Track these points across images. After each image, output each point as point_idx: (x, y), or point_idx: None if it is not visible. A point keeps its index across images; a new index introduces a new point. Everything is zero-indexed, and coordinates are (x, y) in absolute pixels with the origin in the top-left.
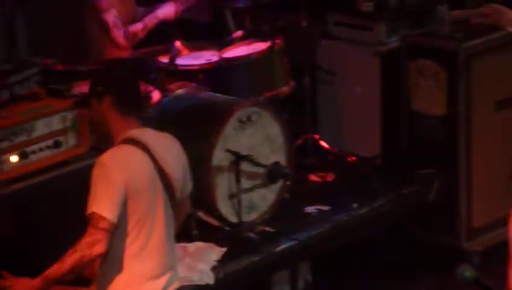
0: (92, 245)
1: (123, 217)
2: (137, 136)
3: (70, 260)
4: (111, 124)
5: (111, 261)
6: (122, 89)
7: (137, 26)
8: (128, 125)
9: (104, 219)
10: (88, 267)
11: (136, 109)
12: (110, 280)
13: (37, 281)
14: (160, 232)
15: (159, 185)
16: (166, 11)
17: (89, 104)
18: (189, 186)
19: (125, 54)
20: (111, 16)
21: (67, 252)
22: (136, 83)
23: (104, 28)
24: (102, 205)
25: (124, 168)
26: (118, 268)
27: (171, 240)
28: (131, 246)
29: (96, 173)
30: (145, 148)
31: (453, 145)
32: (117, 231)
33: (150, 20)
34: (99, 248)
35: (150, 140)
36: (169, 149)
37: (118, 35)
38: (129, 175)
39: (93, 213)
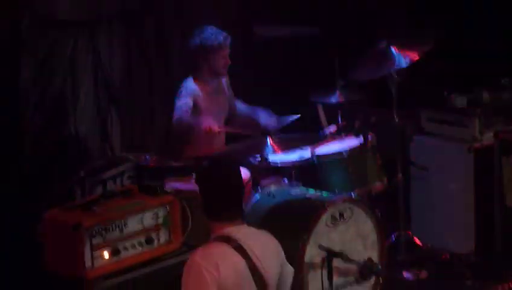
0: None
1: None
2: (232, 234)
3: None
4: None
5: None
6: (226, 202)
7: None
8: (224, 222)
9: None
10: None
11: (234, 205)
12: None
13: None
14: None
15: (251, 283)
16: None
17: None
18: (289, 282)
19: (218, 149)
20: (180, 103)
21: None
22: (232, 185)
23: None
24: None
25: (216, 267)
26: None
27: None
28: None
29: (187, 271)
30: (238, 245)
31: None
32: None
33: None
34: None
35: (244, 237)
36: (265, 246)
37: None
38: (220, 274)
39: None
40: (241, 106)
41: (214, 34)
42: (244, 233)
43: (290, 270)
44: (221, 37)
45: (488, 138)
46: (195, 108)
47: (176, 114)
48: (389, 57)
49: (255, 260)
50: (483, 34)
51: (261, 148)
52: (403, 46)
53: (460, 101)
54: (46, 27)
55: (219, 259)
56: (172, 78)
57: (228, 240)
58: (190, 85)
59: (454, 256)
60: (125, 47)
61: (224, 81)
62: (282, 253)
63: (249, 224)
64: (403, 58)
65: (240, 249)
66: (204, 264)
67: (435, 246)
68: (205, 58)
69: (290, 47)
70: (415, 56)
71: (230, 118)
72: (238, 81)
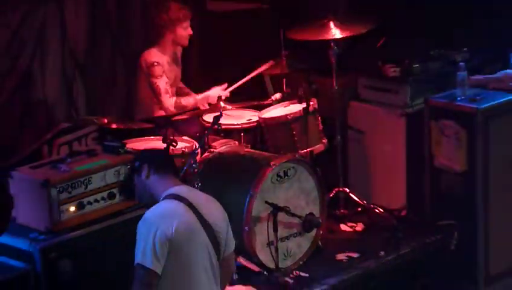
0: None
1: (168, 268)
2: (181, 193)
3: None
4: (152, 188)
5: None
6: (155, 156)
7: (189, 102)
8: (168, 183)
9: (149, 271)
10: None
11: (171, 169)
12: None
13: None
14: (204, 279)
15: (204, 237)
16: (215, 95)
17: (132, 182)
18: (232, 244)
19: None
20: (163, 83)
21: None
22: (166, 153)
23: (155, 92)
24: (147, 257)
25: (168, 223)
26: None
27: (216, 286)
28: (179, 287)
29: (140, 227)
30: (189, 203)
31: (472, 198)
32: (162, 282)
33: (202, 101)
34: None
35: (193, 196)
36: (212, 206)
37: (167, 102)
38: (173, 228)
39: (141, 265)
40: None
41: (178, 9)
42: (189, 192)
43: (231, 235)
44: (185, 11)
45: (419, 104)
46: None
47: (165, 98)
48: (329, 31)
49: (205, 216)
50: (414, 12)
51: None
52: (342, 23)
53: (393, 71)
54: (17, 1)
55: (174, 217)
56: (133, 47)
57: (180, 198)
58: (160, 61)
59: (387, 211)
60: (90, 18)
61: (180, 52)
62: (227, 216)
63: (202, 182)
64: (340, 33)
65: (191, 207)
66: (156, 222)
67: (370, 201)
68: (172, 30)
69: (241, 21)
70: (353, 32)
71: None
72: (192, 53)
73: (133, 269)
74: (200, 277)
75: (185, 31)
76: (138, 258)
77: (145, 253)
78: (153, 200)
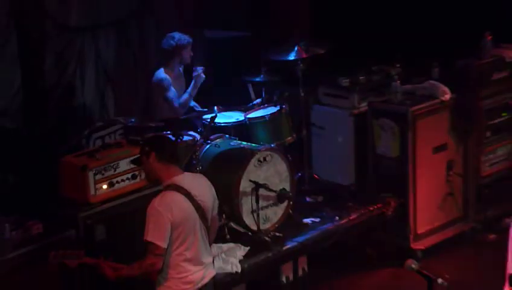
0: (152, 265)
1: (171, 240)
2: (179, 182)
3: (138, 270)
4: (158, 173)
5: (166, 265)
6: (162, 147)
7: (185, 97)
8: (171, 172)
9: (158, 246)
10: None
11: (174, 159)
12: (166, 274)
13: (116, 273)
14: (198, 244)
15: (196, 216)
16: (200, 81)
17: (141, 161)
18: (216, 207)
19: (176, 115)
20: (171, 94)
21: (137, 263)
22: (172, 142)
23: (168, 101)
24: (156, 236)
25: (170, 210)
26: (173, 268)
27: (206, 247)
28: (180, 255)
29: (150, 213)
30: (185, 192)
31: (404, 176)
32: (169, 248)
33: (192, 89)
34: (157, 267)
35: (188, 184)
36: (202, 187)
37: (177, 107)
38: (173, 214)
39: (150, 242)
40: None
41: (183, 37)
42: (187, 180)
43: (217, 201)
44: (188, 38)
45: (364, 106)
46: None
47: (175, 102)
48: (296, 53)
49: (198, 200)
50: (360, 37)
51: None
52: (305, 47)
53: (344, 81)
54: (62, 30)
55: (173, 205)
56: (149, 66)
57: (177, 188)
58: (166, 77)
59: (341, 186)
60: (117, 44)
61: (181, 68)
62: (213, 188)
63: (203, 166)
64: (304, 54)
65: (188, 195)
66: (161, 209)
67: (328, 180)
68: (178, 54)
69: (230, 45)
70: (313, 53)
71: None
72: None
73: (144, 244)
74: (195, 242)
75: (188, 54)
76: (146, 235)
77: (154, 233)
78: (158, 181)
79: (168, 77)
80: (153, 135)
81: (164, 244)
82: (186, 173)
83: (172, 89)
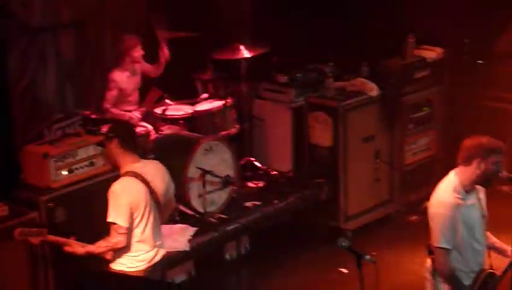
0: (117, 244)
1: (131, 221)
2: (137, 169)
3: (105, 248)
4: (117, 158)
5: None
6: (124, 134)
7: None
8: (129, 159)
9: (121, 226)
10: None
11: (133, 147)
12: (121, 252)
13: (82, 250)
14: (151, 226)
15: (150, 200)
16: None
17: (104, 145)
18: (172, 191)
19: (132, 108)
20: (110, 95)
21: (103, 241)
22: (134, 130)
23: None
24: (118, 216)
25: (128, 193)
26: (127, 246)
27: (158, 229)
28: (134, 236)
29: (110, 196)
30: (142, 179)
31: (336, 164)
32: (134, 228)
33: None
34: (122, 244)
35: (144, 170)
36: (158, 173)
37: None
38: (131, 197)
39: (113, 222)
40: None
41: (132, 38)
42: (143, 167)
43: (172, 185)
44: (136, 39)
45: (300, 101)
46: (120, 89)
47: (107, 102)
48: (239, 53)
49: (152, 186)
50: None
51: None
52: (248, 47)
53: (283, 78)
54: (25, 30)
55: (130, 188)
56: (105, 64)
57: (135, 174)
58: (115, 77)
59: (280, 173)
60: (76, 43)
61: (138, 67)
62: (167, 173)
63: (154, 154)
64: (247, 54)
65: (144, 181)
66: (120, 193)
67: (268, 167)
68: (128, 54)
69: (179, 45)
70: (255, 53)
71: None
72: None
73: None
74: (149, 224)
75: (137, 53)
76: (109, 217)
77: (115, 214)
78: (117, 166)
79: (120, 77)
80: (117, 122)
81: (126, 224)
82: (143, 160)
83: (114, 92)
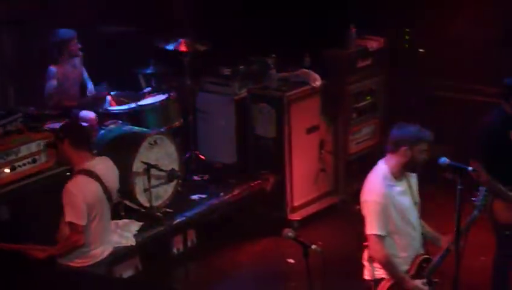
0: (76, 242)
1: (89, 218)
2: (90, 167)
3: (64, 248)
4: (70, 158)
5: None
6: (75, 133)
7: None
8: (82, 158)
9: (78, 225)
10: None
11: (85, 145)
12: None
13: (43, 254)
14: (102, 224)
15: (104, 197)
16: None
17: (56, 146)
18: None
19: (73, 103)
20: (48, 84)
21: (62, 242)
22: (85, 129)
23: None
24: (75, 216)
25: (83, 193)
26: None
27: (109, 226)
28: (88, 232)
29: (66, 196)
30: (96, 177)
31: (281, 155)
32: (89, 224)
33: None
34: (81, 243)
35: (98, 168)
36: (110, 170)
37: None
38: (87, 196)
39: (71, 222)
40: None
41: (66, 31)
42: (96, 164)
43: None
44: (71, 32)
45: (244, 92)
46: (59, 83)
47: (46, 92)
48: (183, 46)
49: (105, 183)
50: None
51: (102, 102)
52: (191, 42)
53: (226, 71)
54: None
55: (85, 187)
56: (46, 61)
57: (89, 172)
58: (52, 70)
59: (225, 165)
60: (18, 41)
61: (78, 61)
62: (116, 168)
63: (98, 149)
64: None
65: (97, 178)
66: (75, 192)
67: (213, 160)
68: (65, 47)
69: (122, 40)
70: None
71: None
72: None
73: (60, 217)
74: (100, 222)
75: (74, 47)
76: (68, 217)
77: (73, 213)
78: (70, 165)
79: (56, 70)
80: (68, 122)
81: (83, 222)
82: (96, 158)
83: (52, 82)
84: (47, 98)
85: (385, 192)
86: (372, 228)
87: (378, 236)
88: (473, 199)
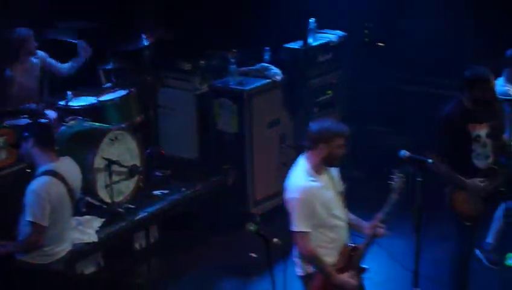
0: (36, 243)
1: (50, 218)
2: (55, 168)
3: (24, 247)
4: (35, 158)
5: None
6: (40, 133)
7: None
8: (46, 158)
9: (40, 225)
10: None
11: (50, 145)
12: None
13: (5, 250)
14: (64, 223)
15: (67, 197)
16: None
17: (20, 145)
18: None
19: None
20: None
21: (23, 240)
22: (50, 129)
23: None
24: (38, 216)
25: (48, 193)
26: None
27: (70, 225)
28: (49, 231)
29: (30, 196)
30: (61, 177)
31: (243, 150)
32: (49, 226)
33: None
34: (40, 242)
35: (63, 169)
36: (73, 170)
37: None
38: (51, 197)
39: (33, 222)
40: (60, 66)
41: (22, 30)
42: (61, 165)
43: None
44: (27, 30)
45: (205, 87)
46: (17, 83)
47: (7, 98)
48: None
49: (69, 183)
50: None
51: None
52: (150, 35)
53: (187, 66)
54: None
55: (50, 189)
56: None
57: (54, 173)
58: (8, 74)
59: (187, 160)
60: None
61: (38, 60)
62: (78, 167)
63: (59, 146)
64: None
65: (62, 180)
66: (40, 193)
67: (174, 154)
68: (23, 46)
69: (82, 35)
70: (159, 39)
71: (56, 74)
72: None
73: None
74: (61, 222)
75: (32, 45)
76: (30, 217)
77: (35, 213)
78: (34, 164)
79: (15, 69)
80: (32, 122)
81: (45, 223)
82: (60, 158)
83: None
84: (8, 100)
85: (308, 188)
86: (296, 225)
87: (303, 233)
88: (390, 182)
